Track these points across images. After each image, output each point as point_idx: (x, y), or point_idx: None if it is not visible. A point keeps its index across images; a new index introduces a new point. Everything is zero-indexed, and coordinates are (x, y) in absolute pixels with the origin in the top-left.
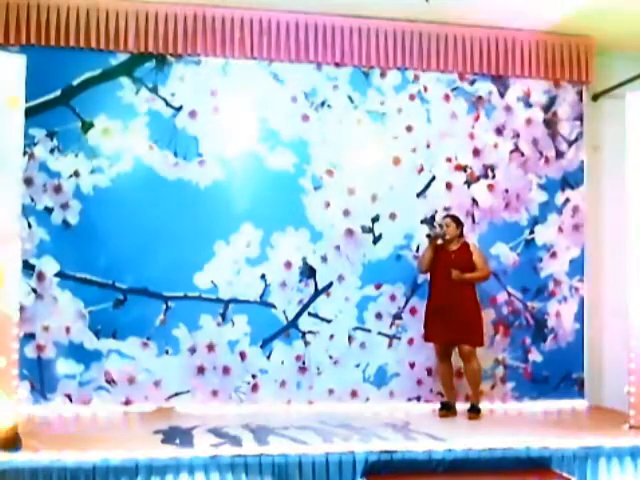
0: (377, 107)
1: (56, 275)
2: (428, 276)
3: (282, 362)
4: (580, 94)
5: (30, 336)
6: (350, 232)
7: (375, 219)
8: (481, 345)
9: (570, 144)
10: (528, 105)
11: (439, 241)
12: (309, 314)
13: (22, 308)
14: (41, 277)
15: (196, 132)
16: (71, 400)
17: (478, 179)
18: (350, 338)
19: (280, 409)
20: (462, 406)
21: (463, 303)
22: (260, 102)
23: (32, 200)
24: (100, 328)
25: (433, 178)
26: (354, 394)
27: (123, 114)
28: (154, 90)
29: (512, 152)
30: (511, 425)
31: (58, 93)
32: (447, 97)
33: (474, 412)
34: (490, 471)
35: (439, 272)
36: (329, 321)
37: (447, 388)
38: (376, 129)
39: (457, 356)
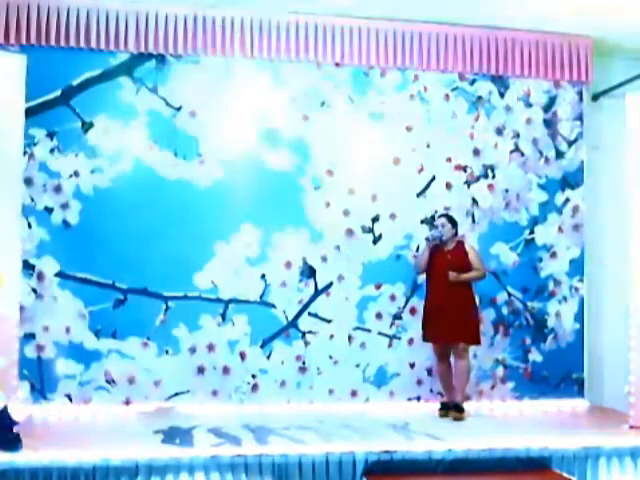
0: (377, 107)
1: (56, 275)
2: (425, 276)
3: (282, 362)
4: (580, 94)
5: (30, 336)
6: (350, 232)
7: (375, 219)
8: (477, 343)
9: (570, 144)
10: (528, 105)
11: (436, 241)
12: (309, 314)
13: (22, 308)
14: (41, 277)
15: (196, 132)
16: (71, 400)
17: (478, 179)
18: (350, 338)
19: (280, 409)
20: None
21: (460, 303)
22: (260, 102)
23: (32, 200)
24: (100, 328)
25: (433, 178)
26: (354, 394)
27: (123, 114)
28: (154, 90)
29: (512, 152)
30: (511, 425)
31: (58, 93)
32: (447, 97)
33: (458, 411)
34: (490, 471)
35: (436, 272)
36: (329, 321)
37: (447, 388)
38: (376, 129)
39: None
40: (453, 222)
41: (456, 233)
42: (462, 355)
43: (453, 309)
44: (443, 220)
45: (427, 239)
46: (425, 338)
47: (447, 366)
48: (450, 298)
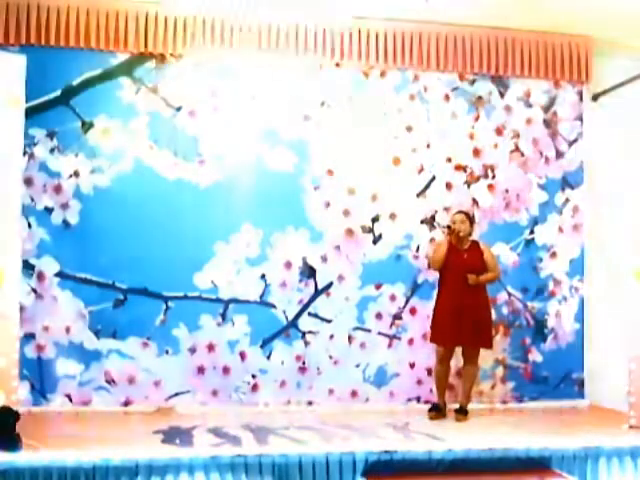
0: (377, 107)
1: (56, 275)
2: (436, 275)
3: (282, 362)
4: (580, 94)
5: (30, 336)
6: (350, 232)
7: (375, 219)
8: (489, 347)
9: (570, 144)
10: (528, 105)
11: (452, 238)
12: (309, 314)
13: (22, 308)
14: (41, 277)
15: (196, 132)
16: (71, 400)
17: (478, 179)
18: (350, 338)
19: (280, 409)
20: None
21: (477, 305)
22: (260, 102)
23: (32, 200)
24: (100, 328)
25: (433, 178)
26: (354, 394)
27: (123, 114)
28: (154, 90)
29: (512, 152)
30: (511, 425)
31: (58, 93)
32: (447, 97)
33: (462, 414)
34: (490, 471)
35: (452, 272)
36: (329, 321)
37: (441, 390)
38: (376, 129)
39: (457, 357)
40: (471, 220)
41: (472, 232)
42: (474, 359)
43: (470, 312)
44: (462, 216)
45: (448, 227)
46: (435, 339)
47: (447, 368)
48: (467, 300)
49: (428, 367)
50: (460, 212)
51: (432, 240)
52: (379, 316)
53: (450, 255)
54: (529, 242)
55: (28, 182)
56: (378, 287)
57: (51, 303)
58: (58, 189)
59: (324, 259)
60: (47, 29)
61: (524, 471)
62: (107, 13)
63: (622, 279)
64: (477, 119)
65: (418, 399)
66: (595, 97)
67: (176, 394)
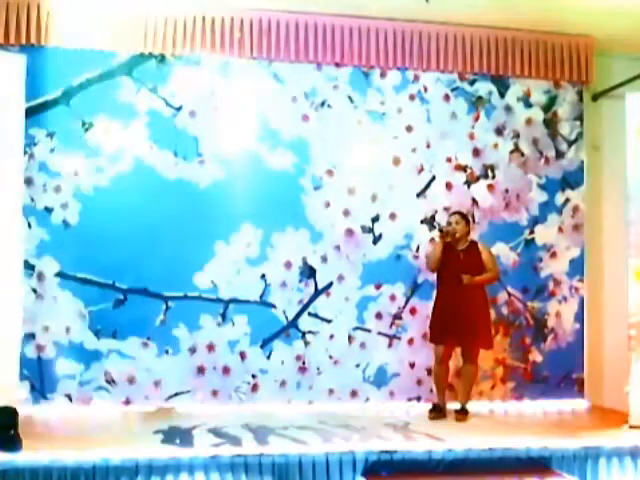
0: (377, 107)
1: (56, 275)
2: (435, 276)
3: (282, 362)
4: (580, 94)
5: (30, 336)
6: (350, 232)
7: (375, 219)
8: (490, 347)
9: (570, 144)
10: (528, 105)
11: (447, 239)
12: (309, 314)
13: (22, 308)
14: (41, 277)
15: (196, 132)
16: (71, 400)
17: (478, 179)
18: (350, 338)
19: (280, 409)
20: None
21: (473, 304)
22: (260, 102)
23: (32, 200)
24: (100, 328)
25: (433, 178)
26: (354, 394)
27: (123, 114)
28: (154, 90)
29: (512, 152)
30: (511, 425)
31: (58, 93)
32: (447, 97)
33: (462, 413)
34: (490, 471)
35: (448, 272)
36: (329, 321)
37: (441, 390)
38: (376, 129)
39: (457, 357)
40: (467, 220)
41: (469, 232)
42: (473, 359)
43: (466, 311)
44: (457, 217)
45: (440, 230)
46: (433, 339)
47: (446, 368)
48: (463, 300)
49: (428, 367)
50: (456, 213)
51: (432, 240)
52: (379, 316)
53: (447, 255)
54: (529, 242)
55: (28, 182)
56: (378, 287)
57: (51, 303)
58: (58, 189)
59: (324, 259)
60: (47, 29)
61: (524, 471)
62: (107, 13)
63: (622, 279)
64: (477, 119)
65: (418, 399)
66: (595, 97)
67: (176, 394)
